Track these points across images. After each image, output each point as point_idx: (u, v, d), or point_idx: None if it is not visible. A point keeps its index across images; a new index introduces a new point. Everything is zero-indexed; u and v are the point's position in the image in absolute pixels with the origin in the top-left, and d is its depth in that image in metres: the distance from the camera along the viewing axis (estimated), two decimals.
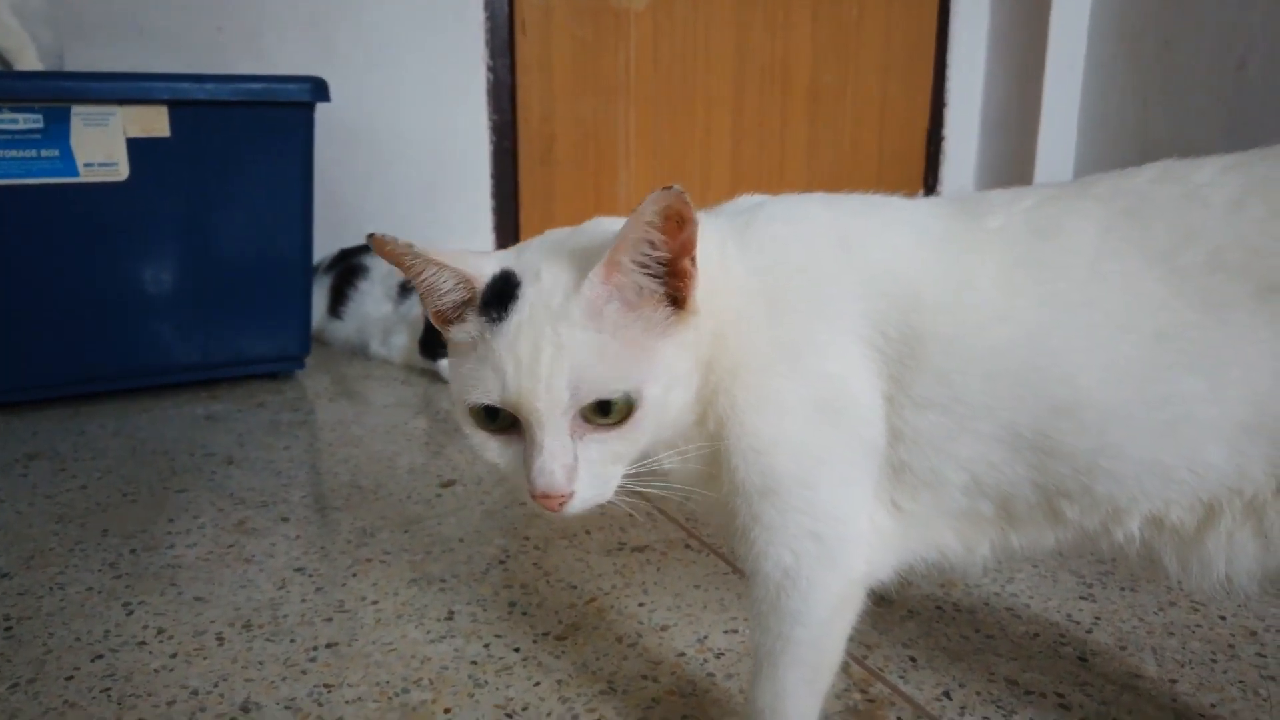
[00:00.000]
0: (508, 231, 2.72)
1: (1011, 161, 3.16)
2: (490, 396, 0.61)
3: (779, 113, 2.98)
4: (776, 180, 3.02)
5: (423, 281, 0.64)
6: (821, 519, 0.66)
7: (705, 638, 0.98)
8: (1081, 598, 1.06)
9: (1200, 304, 0.58)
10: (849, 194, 0.74)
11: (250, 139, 1.76)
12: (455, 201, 2.66)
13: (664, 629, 1.00)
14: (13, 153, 1.59)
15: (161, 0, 2.25)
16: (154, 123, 1.68)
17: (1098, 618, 1.02)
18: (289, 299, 1.89)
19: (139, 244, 1.72)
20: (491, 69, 2.60)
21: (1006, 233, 0.64)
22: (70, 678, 0.91)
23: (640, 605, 1.05)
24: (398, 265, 0.64)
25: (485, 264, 0.64)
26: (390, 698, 0.88)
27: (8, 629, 1.00)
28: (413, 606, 1.04)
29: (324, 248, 2.35)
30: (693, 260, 0.61)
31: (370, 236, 0.62)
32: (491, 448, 0.64)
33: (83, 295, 1.70)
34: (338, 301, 2.23)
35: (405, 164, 2.57)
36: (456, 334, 0.64)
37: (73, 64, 2.15)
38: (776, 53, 2.93)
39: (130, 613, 1.03)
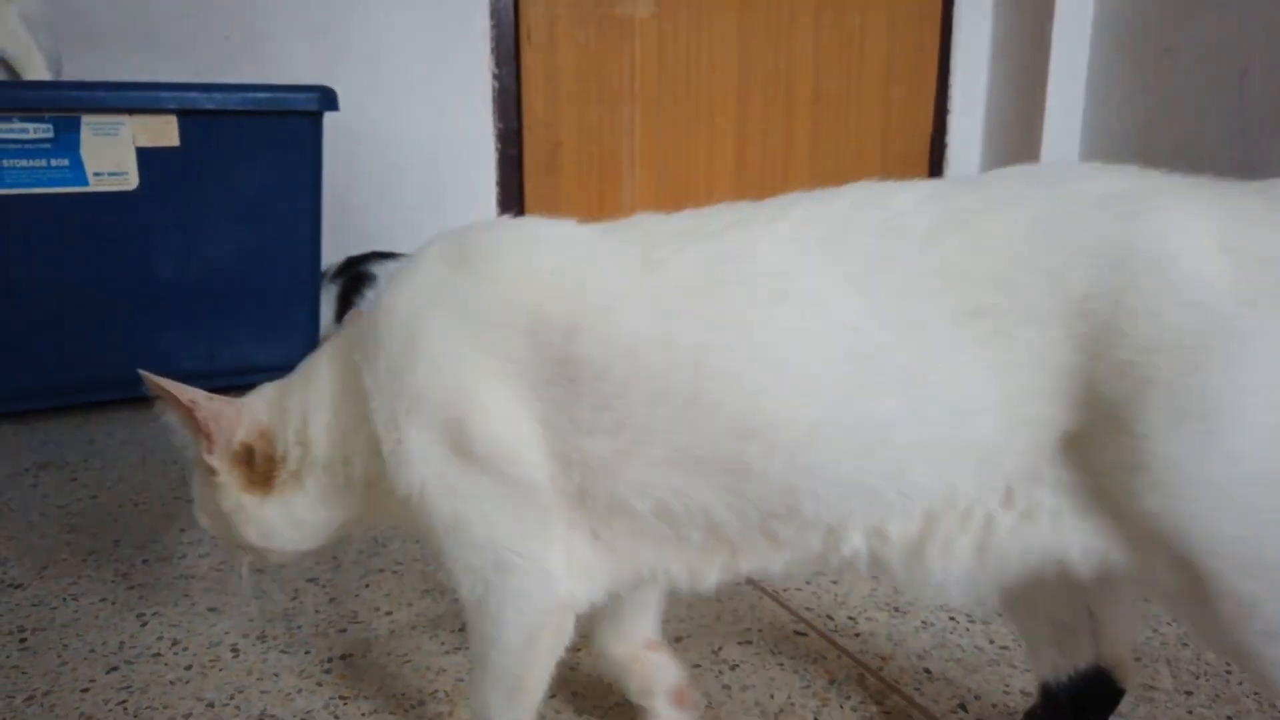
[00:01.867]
0: None
1: None
2: None
3: (782, 120, 2.99)
4: (780, 187, 3.01)
5: None
6: (499, 552, 0.67)
7: (719, 649, 0.99)
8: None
9: (896, 326, 0.59)
10: (518, 220, 0.73)
11: (259, 148, 1.77)
12: (461, 209, 2.66)
13: (678, 640, 1.00)
14: (23, 162, 1.59)
15: (169, 7, 2.26)
16: (163, 132, 1.68)
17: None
18: (297, 307, 1.90)
19: (148, 252, 1.73)
20: (497, 77, 2.61)
21: (680, 257, 0.63)
22: (86, 690, 0.91)
23: None
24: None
25: None
26: (407, 710, 0.88)
27: (23, 640, 1.00)
28: (426, 617, 1.05)
29: (331, 255, 2.35)
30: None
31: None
32: None
33: (92, 303, 1.70)
34: (345, 309, 2.23)
35: (411, 171, 2.58)
36: None
37: (79, 71, 2.15)
38: (780, 60, 2.94)
39: (144, 624, 1.03)
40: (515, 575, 0.68)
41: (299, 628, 1.03)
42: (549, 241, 0.69)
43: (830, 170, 3.09)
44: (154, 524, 1.29)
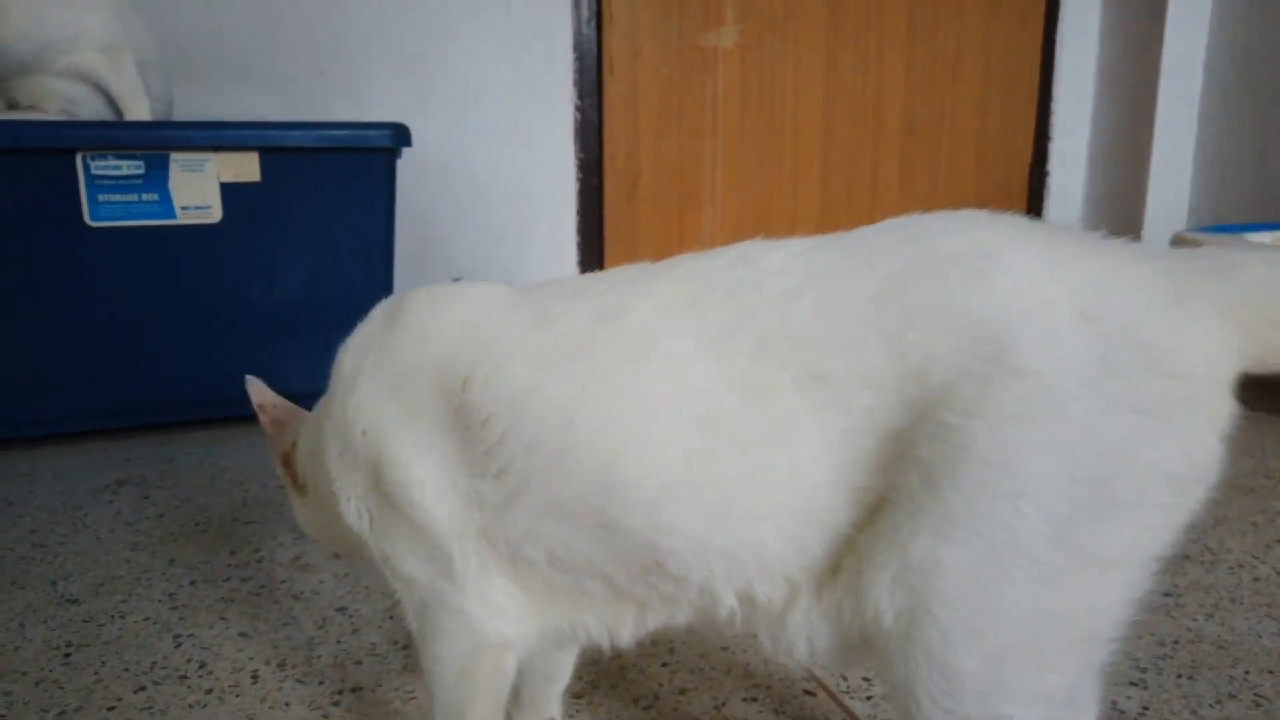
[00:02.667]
0: (592, 266, 2.75)
1: (1120, 197, 3.02)
2: None
3: (870, 147, 2.94)
4: (867, 215, 2.97)
5: None
6: (420, 590, 0.71)
7: (723, 704, 0.97)
8: (1132, 683, 1.00)
9: (745, 390, 0.59)
10: (453, 284, 0.77)
11: (335, 182, 1.85)
12: (541, 237, 2.71)
13: (683, 692, 0.99)
14: (117, 196, 1.70)
15: (268, 46, 2.39)
16: (245, 168, 1.77)
17: (1146, 707, 0.96)
18: None
19: (229, 281, 1.82)
20: (579, 108, 2.65)
21: (567, 314, 0.66)
22: (112, 708, 0.96)
23: (664, 665, 1.04)
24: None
25: None
26: None
27: (67, 655, 1.06)
28: None
29: (415, 282, 2.43)
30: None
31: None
32: None
33: (177, 329, 1.81)
34: None
35: (494, 201, 2.64)
36: None
37: (185, 104, 2.30)
38: (868, 87, 2.89)
39: (179, 645, 1.09)
40: (439, 613, 0.71)
41: (318, 657, 1.06)
42: (467, 300, 0.72)
43: (921, 198, 3.01)
44: (209, 545, 1.35)
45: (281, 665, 1.04)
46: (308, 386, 1.92)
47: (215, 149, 1.74)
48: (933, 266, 0.57)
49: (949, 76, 2.97)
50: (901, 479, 0.56)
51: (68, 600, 1.19)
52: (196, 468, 1.68)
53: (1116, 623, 0.58)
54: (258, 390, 0.92)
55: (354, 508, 0.72)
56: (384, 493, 0.70)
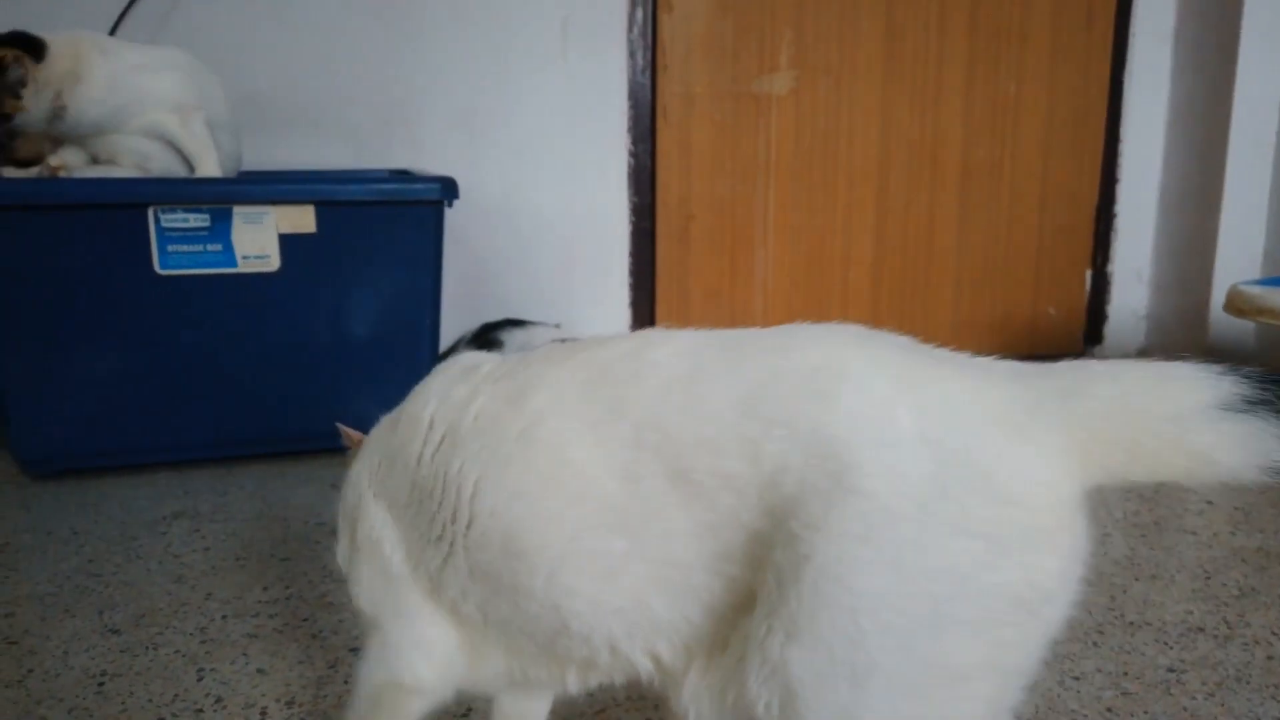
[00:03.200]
0: (643, 308, 2.81)
1: (1191, 243, 2.94)
2: None
3: (927, 191, 2.92)
4: (925, 258, 2.96)
5: None
6: (371, 621, 0.80)
7: None
8: None
9: (621, 475, 0.64)
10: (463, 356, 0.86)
11: (386, 232, 1.95)
12: (594, 279, 2.78)
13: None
14: (184, 247, 1.83)
15: (335, 99, 2.52)
16: (302, 220, 1.89)
17: None
18: (416, 376, 2.05)
19: (286, 326, 1.93)
20: (633, 154, 2.72)
21: (491, 391, 0.72)
22: None
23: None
24: None
25: None
26: None
27: (101, 685, 1.16)
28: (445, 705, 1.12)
29: (469, 322, 2.53)
30: None
31: None
32: None
33: (237, 369, 1.93)
34: None
35: (547, 244, 2.72)
36: None
37: (259, 154, 2.45)
38: (925, 131, 2.88)
39: (200, 679, 1.17)
40: (373, 640, 0.80)
41: (325, 696, 1.13)
42: (443, 379, 0.80)
43: (978, 241, 2.99)
44: (244, 580, 1.44)
45: (290, 703, 1.11)
46: (355, 425, 2.03)
47: (275, 202, 1.86)
48: (791, 380, 0.61)
49: (1010, 119, 2.94)
50: (763, 577, 0.59)
51: (110, 630, 1.29)
52: (246, 501, 1.78)
53: None
54: (346, 433, 1.01)
55: (341, 548, 0.83)
56: (358, 544, 0.80)
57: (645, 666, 0.68)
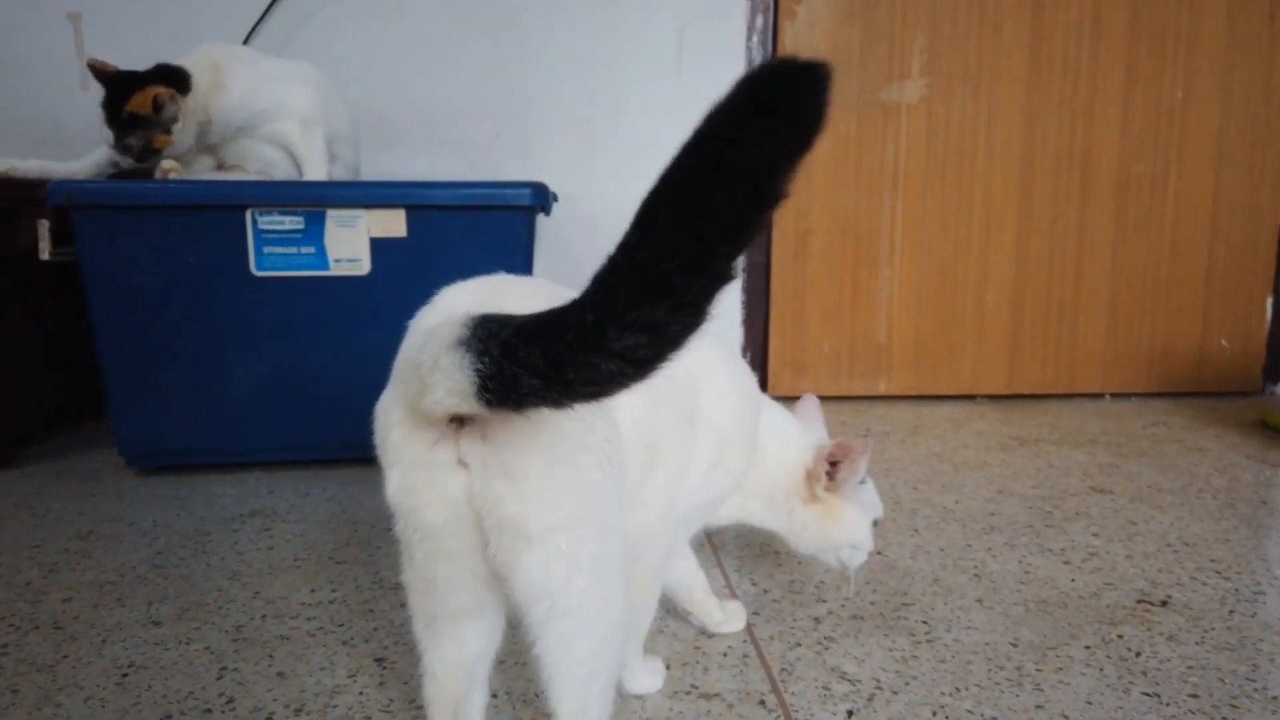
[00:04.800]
0: (757, 325, 2.68)
1: None
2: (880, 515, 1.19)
3: (1077, 207, 2.67)
4: (1073, 281, 2.69)
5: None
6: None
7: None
8: None
9: None
10: None
11: (476, 237, 1.91)
12: None
13: None
14: (279, 249, 1.85)
15: (451, 114, 2.54)
16: (393, 224, 1.88)
17: None
18: None
19: (375, 330, 1.92)
20: None
21: None
22: None
23: None
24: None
25: None
26: None
27: (124, 675, 1.13)
28: None
29: None
30: None
31: None
32: (871, 543, 1.18)
33: (328, 372, 1.93)
34: None
35: None
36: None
37: (380, 165, 2.49)
38: (1076, 141, 2.64)
39: (219, 677, 1.13)
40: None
41: (335, 706, 1.06)
42: None
43: (1136, 263, 2.70)
44: (295, 581, 1.41)
45: (298, 710, 1.05)
46: None
47: (367, 206, 1.86)
48: (431, 329, 0.71)
49: (1175, 128, 2.65)
50: None
51: (153, 623, 1.28)
52: (323, 504, 1.77)
53: None
54: None
55: None
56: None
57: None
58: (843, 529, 1.15)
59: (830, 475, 1.13)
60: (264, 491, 1.84)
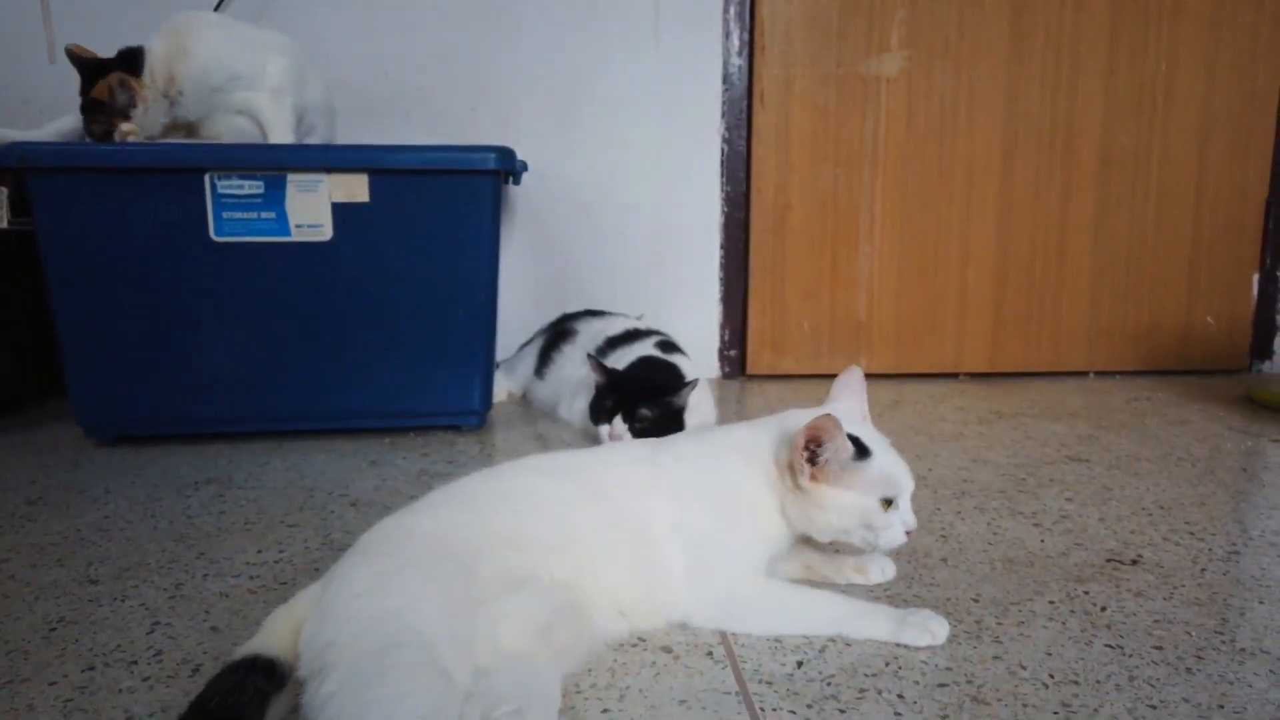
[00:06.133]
0: (735, 301, 2.64)
1: None
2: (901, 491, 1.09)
3: (1059, 182, 2.63)
4: (1056, 258, 2.66)
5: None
6: None
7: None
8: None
9: None
10: None
11: (441, 203, 1.88)
12: (683, 274, 2.64)
13: None
14: (239, 214, 1.82)
15: (427, 88, 2.51)
16: (355, 189, 1.84)
17: None
18: (471, 355, 1.97)
19: (337, 298, 1.89)
20: (726, 140, 2.57)
21: None
22: (54, 684, 0.97)
23: (604, 711, 0.92)
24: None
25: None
26: None
27: (52, 630, 1.10)
28: None
29: (553, 314, 2.44)
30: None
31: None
32: (891, 521, 1.07)
33: (287, 342, 1.89)
34: (544, 363, 2.29)
35: (635, 234, 2.61)
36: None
37: (354, 139, 2.45)
38: (1058, 114, 2.60)
39: (150, 632, 1.09)
40: None
41: None
42: None
43: (1119, 239, 2.67)
44: (242, 544, 1.37)
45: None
46: (407, 401, 1.96)
47: (328, 170, 1.82)
48: None
49: (1159, 101, 2.61)
50: None
51: (89, 581, 1.24)
52: (282, 473, 1.73)
53: None
54: None
55: None
56: None
57: None
58: (835, 515, 1.07)
59: (814, 461, 1.08)
60: (223, 462, 1.80)
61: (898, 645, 1.04)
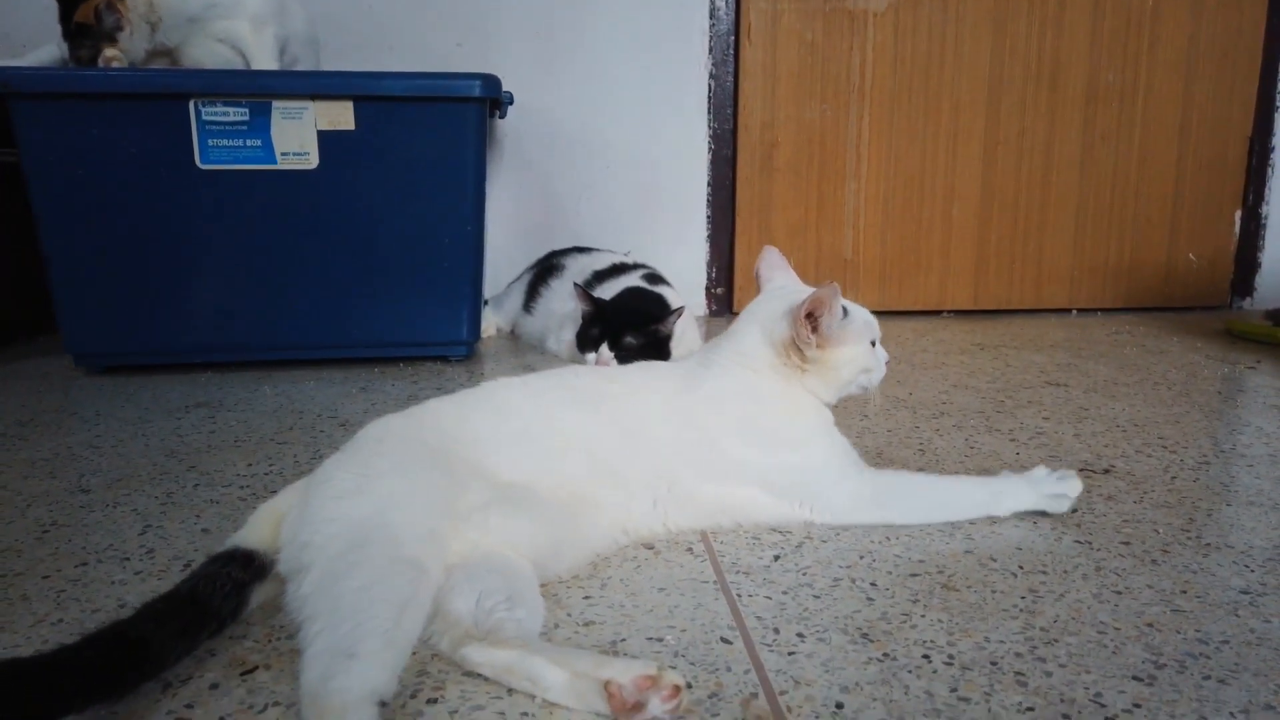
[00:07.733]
0: (722, 239, 2.65)
1: None
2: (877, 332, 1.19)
3: (1045, 118, 2.64)
4: (1040, 195, 2.67)
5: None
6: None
7: (623, 640, 0.86)
8: (1135, 677, 0.79)
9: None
10: None
11: (427, 131, 1.87)
12: (670, 211, 2.64)
13: (588, 625, 0.89)
14: (224, 142, 1.81)
15: (410, 22, 2.49)
16: (341, 116, 1.84)
17: (1137, 704, 0.75)
18: (459, 285, 1.98)
19: (324, 227, 1.89)
20: (714, 77, 2.56)
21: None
22: (47, 577, 0.99)
23: (585, 598, 0.94)
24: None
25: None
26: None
27: (45, 531, 1.12)
28: None
29: (543, 250, 2.45)
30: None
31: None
32: (880, 359, 1.18)
33: (276, 271, 1.90)
34: (531, 297, 2.30)
35: (622, 171, 2.61)
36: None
37: None
38: (1045, 50, 2.60)
39: (142, 533, 1.11)
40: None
41: None
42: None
43: (1104, 175, 2.68)
44: (232, 458, 1.39)
45: None
46: (395, 331, 1.97)
47: (313, 96, 1.82)
48: None
49: (1144, 36, 2.61)
50: None
51: (81, 490, 1.26)
52: (272, 398, 1.75)
53: None
54: None
55: None
56: None
57: None
58: (846, 370, 1.14)
59: (814, 329, 1.11)
60: (213, 388, 1.82)
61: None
